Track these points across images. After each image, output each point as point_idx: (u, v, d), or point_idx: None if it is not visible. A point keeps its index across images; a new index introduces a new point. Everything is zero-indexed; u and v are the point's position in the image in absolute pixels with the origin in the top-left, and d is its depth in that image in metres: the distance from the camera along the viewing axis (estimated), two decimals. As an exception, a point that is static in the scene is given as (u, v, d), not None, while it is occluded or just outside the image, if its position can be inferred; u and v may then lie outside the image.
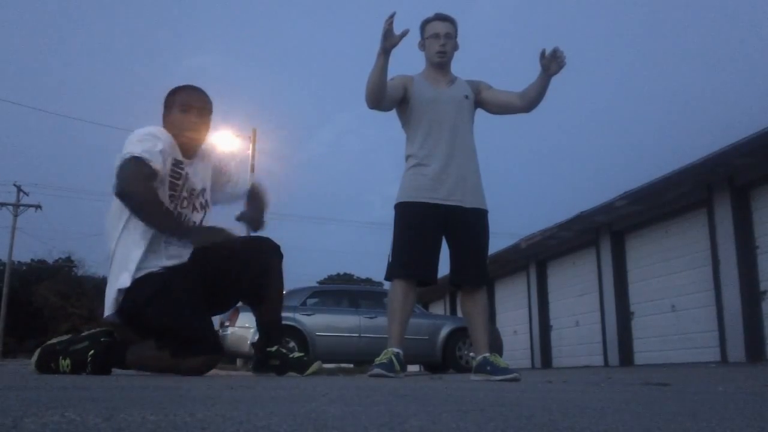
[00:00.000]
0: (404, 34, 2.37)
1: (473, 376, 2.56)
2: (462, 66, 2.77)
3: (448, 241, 2.61)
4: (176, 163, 2.19)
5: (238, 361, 14.32)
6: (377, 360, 2.50)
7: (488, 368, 2.47)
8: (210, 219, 2.34)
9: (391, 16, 2.32)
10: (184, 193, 2.23)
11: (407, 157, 2.68)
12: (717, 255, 7.26)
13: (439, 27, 2.63)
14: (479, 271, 2.61)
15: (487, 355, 2.52)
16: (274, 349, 2.32)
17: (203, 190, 2.31)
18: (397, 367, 2.46)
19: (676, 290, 8.11)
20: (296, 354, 2.38)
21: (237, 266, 2.24)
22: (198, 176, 2.29)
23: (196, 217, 2.28)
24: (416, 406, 1.04)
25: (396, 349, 2.50)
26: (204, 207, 2.31)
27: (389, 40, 2.36)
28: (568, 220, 9.58)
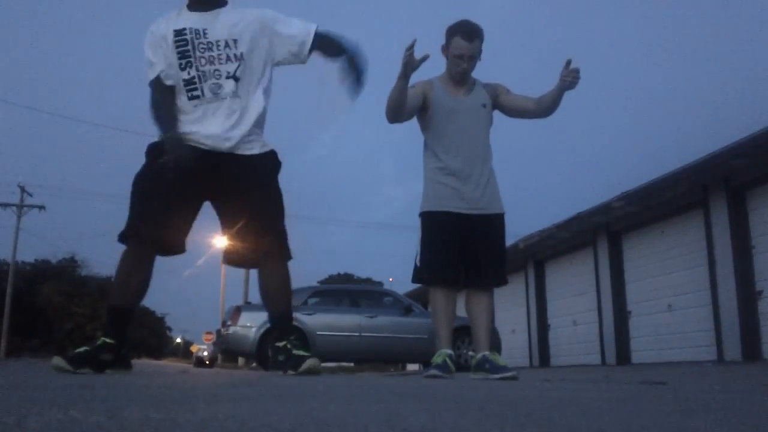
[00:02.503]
0: (424, 59, 2.41)
1: (472, 375, 2.60)
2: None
3: (468, 245, 2.66)
4: (179, 32, 2.26)
5: (240, 360, 14.31)
6: (432, 361, 2.63)
7: (487, 366, 2.52)
8: (248, 69, 2.28)
9: (412, 46, 2.36)
10: (199, 53, 2.25)
11: (426, 165, 2.74)
12: (713, 255, 7.28)
13: (465, 49, 2.63)
14: (499, 272, 2.70)
15: (487, 353, 2.57)
16: (281, 344, 2.32)
17: (234, 41, 2.27)
18: (452, 367, 2.60)
19: (673, 290, 8.13)
20: (300, 351, 2.28)
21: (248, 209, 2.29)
22: (224, 29, 2.27)
23: (230, 68, 2.26)
24: (416, 405, 1.04)
25: (448, 351, 2.62)
26: (239, 58, 2.27)
27: (410, 66, 2.40)
28: (566, 220, 9.59)
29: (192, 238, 2.35)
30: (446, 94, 2.70)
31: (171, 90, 2.32)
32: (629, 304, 9.08)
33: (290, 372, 2.22)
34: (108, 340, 2.23)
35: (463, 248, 2.65)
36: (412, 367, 12.02)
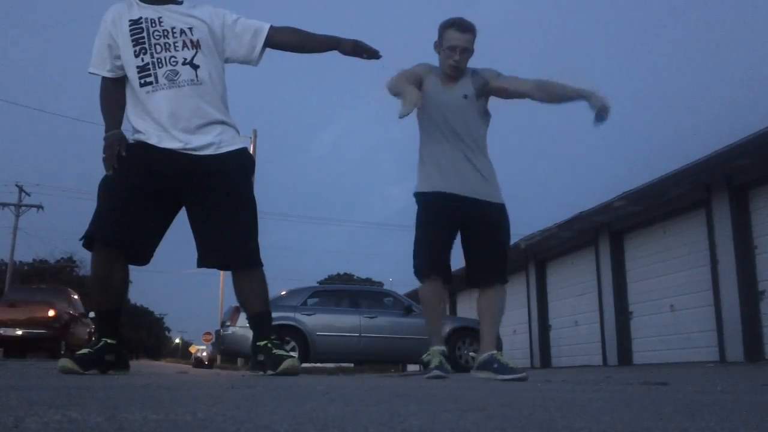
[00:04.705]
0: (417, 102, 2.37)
1: (477, 373, 2.55)
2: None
3: (464, 236, 2.60)
4: (135, 21, 2.27)
5: (239, 361, 14.32)
6: (425, 359, 2.64)
7: (495, 366, 2.47)
8: (206, 57, 2.28)
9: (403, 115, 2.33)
10: (154, 39, 2.24)
11: (421, 154, 2.70)
12: (715, 255, 7.27)
13: (458, 40, 2.58)
14: (499, 268, 2.61)
15: (495, 353, 2.52)
16: (262, 344, 2.31)
17: (189, 28, 2.27)
18: (447, 366, 2.61)
19: (675, 290, 8.11)
20: (279, 351, 2.26)
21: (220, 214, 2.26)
22: (178, 19, 2.29)
23: (187, 54, 2.25)
24: (416, 406, 1.04)
25: (441, 347, 2.62)
26: (195, 45, 2.27)
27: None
28: (568, 220, 9.58)
29: (189, 238, 2.34)
30: (438, 85, 2.64)
31: (117, 84, 2.32)
32: (631, 304, 9.06)
33: (269, 372, 2.21)
34: (109, 341, 2.24)
35: (462, 236, 2.59)
36: (412, 367, 12.00)
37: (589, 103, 2.44)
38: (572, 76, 2.62)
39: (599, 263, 9.62)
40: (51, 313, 9.67)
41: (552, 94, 2.55)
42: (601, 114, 2.41)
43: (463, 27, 2.61)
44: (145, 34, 2.25)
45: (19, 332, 9.43)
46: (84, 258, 33.47)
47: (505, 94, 2.67)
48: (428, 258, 2.58)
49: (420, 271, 2.62)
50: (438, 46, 2.67)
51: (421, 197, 2.63)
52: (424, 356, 2.68)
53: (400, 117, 2.33)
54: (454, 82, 2.66)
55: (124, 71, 2.29)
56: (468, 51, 2.63)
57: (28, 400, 1.01)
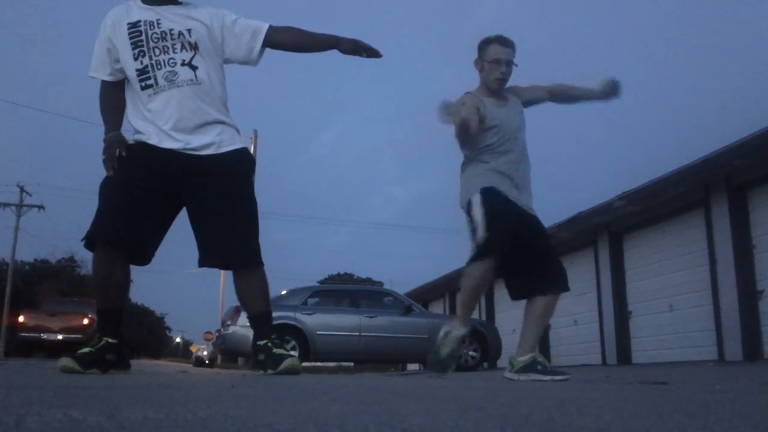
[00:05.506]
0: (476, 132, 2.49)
1: (517, 376, 2.57)
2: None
3: (525, 249, 2.60)
4: (133, 24, 2.27)
5: (240, 360, 14.32)
6: (440, 344, 2.74)
7: (539, 368, 2.55)
8: (204, 59, 2.27)
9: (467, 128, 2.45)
10: (152, 42, 2.24)
11: (476, 167, 2.66)
12: (714, 255, 7.28)
13: (502, 53, 2.65)
14: (564, 276, 2.69)
15: (536, 354, 2.61)
16: (262, 343, 2.31)
17: (188, 30, 2.28)
18: (452, 365, 2.79)
19: (674, 290, 8.12)
20: (280, 350, 2.26)
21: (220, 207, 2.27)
22: (177, 20, 2.29)
23: (185, 56, 2.25)
24: (416, 405, 1.04)
25: (463, 331, 2.77)
26: (194, 47, 2.26)
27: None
28: (567, 220, 9.58)
29: (190, 238, 2.35)
30: (493, 102, 2.67)
31: (116, 87, 2.33)
32: (630, 303, 9.07)
33: (269, 371, 2.21)
34: (111, 340, 2.25)
35: (520, 249, 2.58)
36: (412, 366, 12.00)
37: (600, 97, 2.74)
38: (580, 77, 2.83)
39: (598, 263, 9.63)
40: (85, 321, 11.69)
41: (564, 95, 2.80)
42: (609, 95, 2.72)
43: (506, 42, 2.68)
44: (143, 37, 2.25)
45: (60, 337, 11.63)
46: (85, 258, 33.47)
47: (530, 103, 2.82)
48: (494, 237, 2.51)
49: (484, 247, 2.54)
50: (479, 62, 2.69)
51: (492, 192, 2.57)
52: (442, 331, 2.69)
53: (445, 123, 2.47)
54: (504, 98, 2.72)
55: (123, 74, 2.31)
56: (512, 64, 2.67)
57: (29, 400, 1.01)
